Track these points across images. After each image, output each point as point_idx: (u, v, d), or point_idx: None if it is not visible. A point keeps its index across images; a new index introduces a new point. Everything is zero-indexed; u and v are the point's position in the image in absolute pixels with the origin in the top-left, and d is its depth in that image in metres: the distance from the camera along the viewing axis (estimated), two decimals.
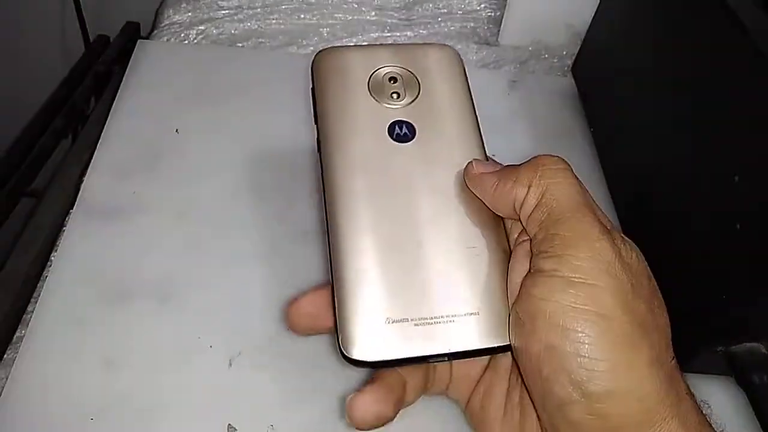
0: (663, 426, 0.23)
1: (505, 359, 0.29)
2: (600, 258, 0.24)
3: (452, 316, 0.26)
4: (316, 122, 0.30)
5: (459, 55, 0.32)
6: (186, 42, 0.54)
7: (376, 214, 0.28)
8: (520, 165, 0.27)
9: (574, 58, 0.51)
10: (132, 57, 0.50)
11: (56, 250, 0.38)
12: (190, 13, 0.56)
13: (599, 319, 0.23)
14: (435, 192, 0.28)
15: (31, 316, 0.35)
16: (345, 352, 0.25)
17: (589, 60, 0.49)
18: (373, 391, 0.26)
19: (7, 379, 0.33)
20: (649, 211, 0.39)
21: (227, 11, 0.57)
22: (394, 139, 0.29)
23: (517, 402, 0.28)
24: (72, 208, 0.40)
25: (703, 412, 0.24)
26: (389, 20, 0.56)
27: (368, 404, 0.26)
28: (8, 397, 0.32)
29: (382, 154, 0.29)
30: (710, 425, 0.24)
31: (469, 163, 0.29)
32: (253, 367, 0.34)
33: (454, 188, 0.29)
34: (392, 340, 0.25)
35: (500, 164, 0.28)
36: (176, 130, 0.45)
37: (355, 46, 0.32)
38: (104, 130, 0.45)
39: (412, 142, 0.29)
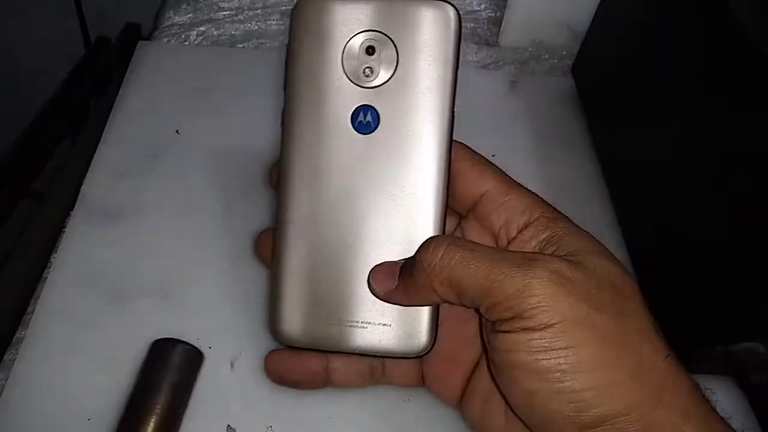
0: (667, 426, 0.22)
1: None
2: (548, 299, 0.23)
3: (366, 323, 0.28)
4: (284, 89, 0.29)
5: (456, 18, 0.28)
6: (186, 43, 0.54)
7: (319, 211, 0.28)
8: (410, 275, 0.26)
9: (574, 58, 0.51)
10: (132, 58, 0.51)
11: (56, 251, 0.38)
12: (190, 15, 0.56)
13: (569, 353, 0.23)
14: (382, 196, 0.28)
15: (31, 317, 0.35)
16: (272, 332, 0.29)
17: (589, 60, 0.49)
18: (291, 355, 0.31)
19: (6, 379, 0.33)
20: (648, 211, 0.39)
21: (227, 12, 0.57)
22: (356, 128, 0.28)
23: None
24: (72, 209, 0.41)
25: (708, 399, 0.24)
26: None
27: (282, 363, 0.31)
28: (8, 397, 0.32)
29: (339, 144, 0.28)
30: (717, 414, 0.24)
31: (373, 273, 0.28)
32: (253, 367, 0.34)
33: (401, 196, 0.28)
34: (309, 330, 0.28)
35: (392, 271, 0.27)
36: (176, 131, 0.45)
37: None
38: (104, 131, 0.45)
39: (372, 134, 0.28)
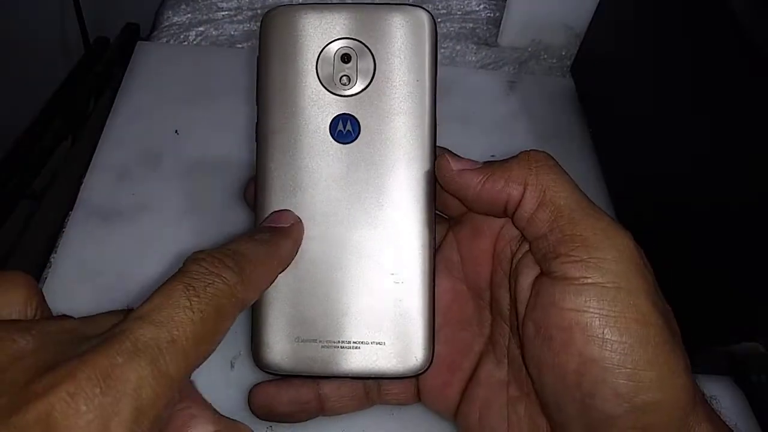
0: (699, 428, 0.22)
1: (498, 372, 0.28)
2: (627, 258, 0.22)
3: (359, 342, 0.26)
4: (257, 101, 0.28)
5: (431, 23, 0.27)
6: (185, 43, 0.54)
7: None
8: (506, 162, 0.25)
9: (573, 58, 0.51)
10: (131, 58, 0.51)
11: (56, 251, 0.38)
12: (189, 15, 0.56)
13: (640, 327, 0.22)
14: (366, 210, 0.27)
15: None
16: (255, 360, 0.27)
17: (589, 61, 0.49)
18: (278, 385, 0.29)
19: None
20: (648, 211, 0.39)
21: (226, 12, 0.57)
22: (335, 138, 0.27)
23: (524, 414, 0.26)
24: (72, 209, 0.41)
25: (713, 406, 0.24)
26: None
27: (268, 396, 0.29)
28: None
29: (319, 155, 0.27)
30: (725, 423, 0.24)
31: (441, 158, 0.26)
32: (253, 367, 0.34)
33: (386, 207, 0.27)
34: (298, 357, 0.27)
35: (474, 161, 0.26)
36: (176, 131, 0.45)
37: (312, 5, 0.27)
38: (104, 131, 0.45)
39: (352, 143, 0.27)
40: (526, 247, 0.26)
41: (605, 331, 0.22)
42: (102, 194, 0.41)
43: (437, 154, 0.27)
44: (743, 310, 0.30)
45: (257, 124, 0.27)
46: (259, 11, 0.57)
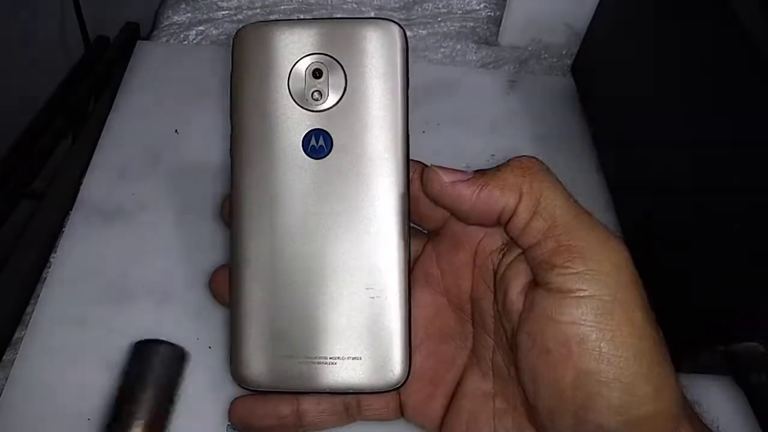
0: None
1: (484, 384, 0.27)
2: (623, 270, 0.22)
3: (335, 358, 0.27)
4: (231, 119, 0.28)
5: (401, 35, 0.27)
6: (185, 42, 0.54)
7: (276, 243, 0.27)
8: (499, 170, 0.25)
9: (573, 57, 0.51)
10: (131, 58, 0.51)
11: (56, 250, 0.38)
12: (189, 14, 0.56)
13: (636, 341, 0.22)
14: (340, 225, 0.27)
15: (30, 317, 0.35)
16: (233, 376, 0.27)
17: (589, 60, 0.49)
18: (256, 399, 0.29)
19: (6, 379, 0.33)
20: (648, 212, 0.39)
21: (227, 12, 0.57)
22: (308, 154, 0.27)
23: (512, 427, 0.26)
24: (72, 209, 0.41)
25: (695, 410, 0.24)
26: None
27: (247, 410, 0.29)
28: (8, 397, 0.32)
29: (292, 171, 0.27)
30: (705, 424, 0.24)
31: (431, 171, 0.26)
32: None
33: (361, 221, 0.27)
34: (276, 373, 0.27)
35: (464, 170, 0.26)
36: (176, 131, 0.45)
37: (283, 22, 0.27)
38: (104, 131, 0.45)
39: (326, 158, 0.27)
40: (511, 256, 0.25)
41: (601, 345, 0.22)
42: (102, 194, 0.41)
43: (425, 165, 0.27)
44: (743, 310, 0.30)
45: (231, 141, 0.28)
46: (259, 11, 0.56)
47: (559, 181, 0.24)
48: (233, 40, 0.27)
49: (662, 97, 0.38)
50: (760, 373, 0.31)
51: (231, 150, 0.28)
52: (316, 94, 0.27)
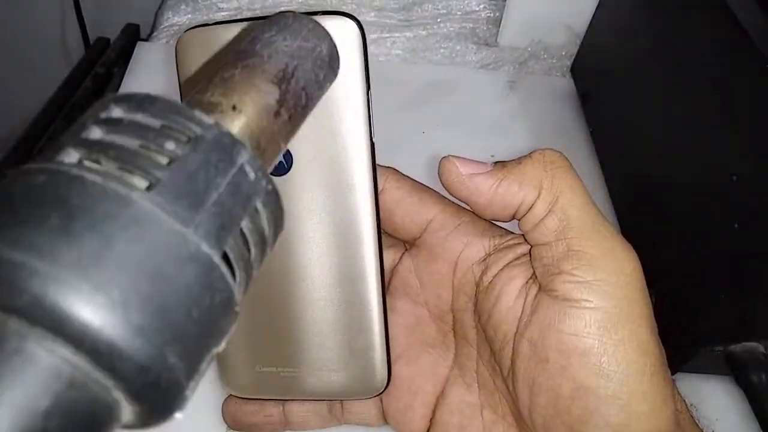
0: None
1: (469, 396, 0.27)
2: (631, 283, 0.21)
3: (315, 370, 0.27)
4: None
5: (359, 33, 0.24)
6: None
7: None
8: (519, 163, 0.23)
9: (573, 58, 0.51)
10: (131, 59, 0.51)
11: None
12: (189, 15, 0.56)
13: (638, 357, 0.21)
14: (310, 239, 0.26)
15: None
16: (222, 384, 0.29)
17: (589, 60, 0.49)
18: (245, 399, 0.30)
19: None
20: (648, 211, 0.39)
21: (226, 12, 0.57)
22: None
23: None
24: None
25: (692, 414, 0.24)
26: (388, 21, 0.56)
27: (236, 408, 0.30)
28: None
29: None
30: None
31: (447, 161, 0.24)
32: None
33: (331, 235, 0.25)
34: (259, 383, 0.28)
35: (482, 162, 0.24)
36: None
37: (225, 22, 0.24)
38: None
39: (287, 174, 0.25)
40: (499, 266, 0.25)
41: (603, 360, 0.21)
42: None
43: (394, 170, 0.26)
44: (743, 310, 0.30)
45: None
46: (259, 11, 0.57)
47: (580, 180, 0.23)
48: (176, 47, 0.25)
49: (661, 97, 0.38)
50: (759, 373, 0.31)
51: None
52: None
